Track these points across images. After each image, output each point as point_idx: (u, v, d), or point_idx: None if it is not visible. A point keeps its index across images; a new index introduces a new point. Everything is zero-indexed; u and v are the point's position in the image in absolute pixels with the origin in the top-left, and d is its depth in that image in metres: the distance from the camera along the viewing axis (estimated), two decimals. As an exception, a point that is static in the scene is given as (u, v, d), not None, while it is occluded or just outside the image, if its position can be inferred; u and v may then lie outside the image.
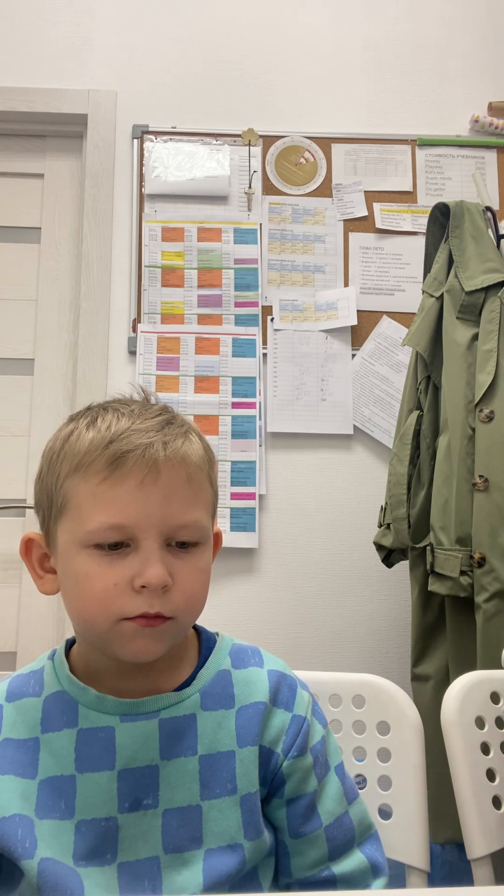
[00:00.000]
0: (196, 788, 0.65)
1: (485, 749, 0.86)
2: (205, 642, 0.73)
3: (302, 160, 2.03)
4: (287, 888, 0.68)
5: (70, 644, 0.72)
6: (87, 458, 0.63)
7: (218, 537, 0.72)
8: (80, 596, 0.63)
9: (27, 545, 0.69)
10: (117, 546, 0.62)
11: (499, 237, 1.54)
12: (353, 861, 0.68)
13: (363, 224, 2.01)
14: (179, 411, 0.71)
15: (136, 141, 2.00)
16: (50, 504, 0.66)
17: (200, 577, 0.65)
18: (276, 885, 0.68)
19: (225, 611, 1.82)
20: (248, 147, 2.02)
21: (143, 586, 0.61)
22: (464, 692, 0.86)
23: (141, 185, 1.99)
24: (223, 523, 1.82)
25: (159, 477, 0.63)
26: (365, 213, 2.01)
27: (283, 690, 0.70)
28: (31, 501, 1.28)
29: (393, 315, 1.96)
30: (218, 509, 0.74)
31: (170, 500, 0.63)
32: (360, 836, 0.70)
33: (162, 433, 0.65)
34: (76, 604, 0.64)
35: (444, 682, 1.36)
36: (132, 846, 0.63)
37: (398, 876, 0.80)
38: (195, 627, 0.74)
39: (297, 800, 0.67)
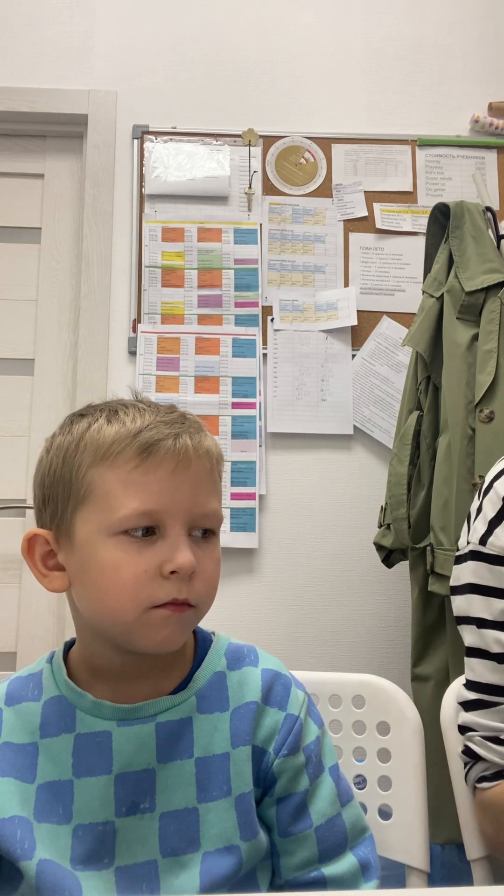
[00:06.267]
0: (193, 791, 0.64)
1: (485, 749, 0.86)
2: (201, 642, 0.73)
3: (302, 160, 2.03)
4: (280, 889, 0.67)
5: (69, 646, 0.72)
6: (115, 447, 0.64)
7: None
8: (106, 586, 0.62)
9: (30, 542, 0.67)
10: (145, 533, 0.63)
11: (499, 237, 1.54)
12: (344, 864, 0.67)
13: (363, 224, 2.01)
14: (179, 412, 0.73)
15: (136, 141, 2.00)
16: (67, 496, 0.65)
17: (216, 566, 0.67)
18: (271, 886, 0.68)
19: (225, 611, 1.82)
20: (248, 147, 2.02)
21: (173, 572, 0.62)
22: (464, 692, 0.86)
23: (141, 186, 1.99)
24: (223, 523, 1.81)
25: (190, 466, 0.65)
26: (365, 213, 2.01)
27: (276, 689, 0.70)
28: (31, 502, 1.27)
29: (393, 315, 1.96)
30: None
31: (197, 489, 0.65)
32: (353, 840, 0.69)
33: (185, 426, 0.67)
34: (101, 595, 0.63)
35: (444, 682, 1.36)
36: (129, 850, 0.63)
37: (398, 876, 0.80)
38: None
39: (287, 798, 0.67)
